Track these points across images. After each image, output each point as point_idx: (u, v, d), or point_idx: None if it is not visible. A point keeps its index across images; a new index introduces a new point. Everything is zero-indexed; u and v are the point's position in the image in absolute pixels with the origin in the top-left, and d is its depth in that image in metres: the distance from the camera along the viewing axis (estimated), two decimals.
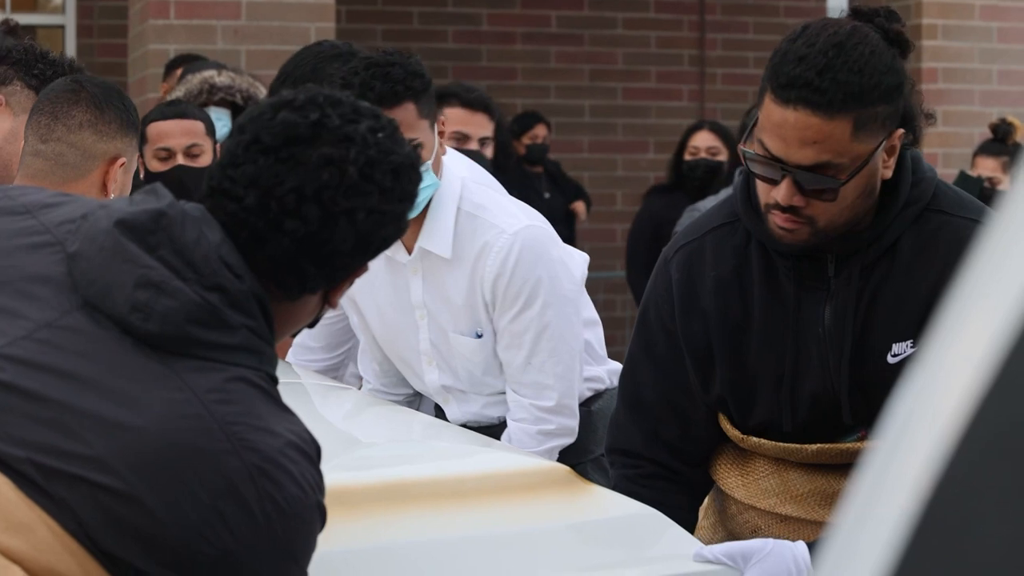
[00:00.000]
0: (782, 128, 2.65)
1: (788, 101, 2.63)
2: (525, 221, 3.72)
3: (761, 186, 2.75)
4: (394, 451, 2.93)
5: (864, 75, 2.63)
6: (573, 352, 3.77)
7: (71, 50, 9.80)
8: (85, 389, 2.04)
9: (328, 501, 2.40)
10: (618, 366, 4.15)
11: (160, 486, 2.01)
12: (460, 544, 2.46)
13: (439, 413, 3.94)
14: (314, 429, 3.13)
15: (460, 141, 5.47)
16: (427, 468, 2.65)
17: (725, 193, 4.10)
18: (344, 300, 3.71)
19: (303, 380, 3.62)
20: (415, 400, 4.05)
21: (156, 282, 2.06)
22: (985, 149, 7.27)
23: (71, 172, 3.05)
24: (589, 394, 4.00)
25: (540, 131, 8.95)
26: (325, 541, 2.34)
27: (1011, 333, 0.80)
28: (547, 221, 4.02)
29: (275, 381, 2.16)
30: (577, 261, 3.89)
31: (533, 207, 5.29)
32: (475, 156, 5.50)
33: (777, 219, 2.72)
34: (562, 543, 2.54)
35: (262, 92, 5.87)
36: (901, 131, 2.72)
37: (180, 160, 4.67)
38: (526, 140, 8.96)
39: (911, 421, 0.84)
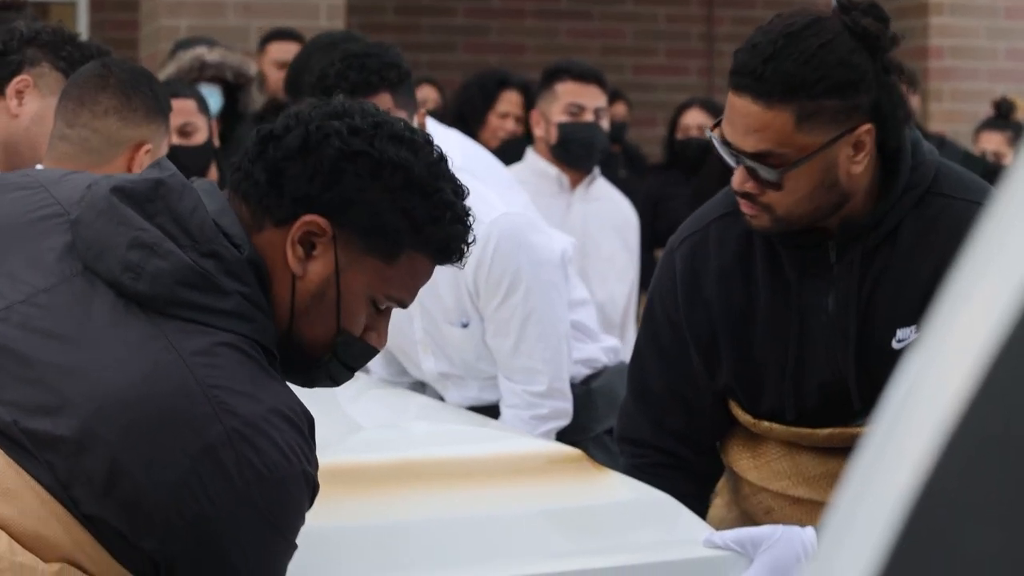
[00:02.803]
0: (731, 114, 2.69)
1: (735, 87, 2.67)
2: (502, 209, 3.72)
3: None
4: (411, 432, 2.94)
5: (809, 67, 2.62)
6: (560, 336, 3.78)
7: (83, 25, 9.83)
8: (72, 350, 2.05)
9: (345, 479, 2.41)
10: (615, 342, 4.18)
11: (140, 446, 2.00)
12: (472, 524, 2.46)
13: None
14: (328, 411, 3.14)
15: (575, 115, 5.45)
16: (443, 449, 2.65)
17: None
18: None
19: None
20: (419, 388, 4.06)
21: (148, 243, 2.07)
22: (989, 124, 7.32)
23: (96, 157, 3.08)
24: (587, 372, 4.01)
25: (619, 109, 8.68)
26: (341, 517, 2.38)
27: (1011, 317, 0.80)
28: (529, 207, 4.03)
29: (268, 350, 2.13)
30: (562, 244, 3.89)
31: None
32: (590, 128, 5.45)
33: (741, 204, 2.75)
34: (574, 526, 2.54)
35: (253, 69, 5.89)
36: (868, 127, 2.69)
37: (174, 139, 4.66)
38: None
39: (908, 404, 0.85)
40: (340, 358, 2.22)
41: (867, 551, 0.81)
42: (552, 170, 5.50)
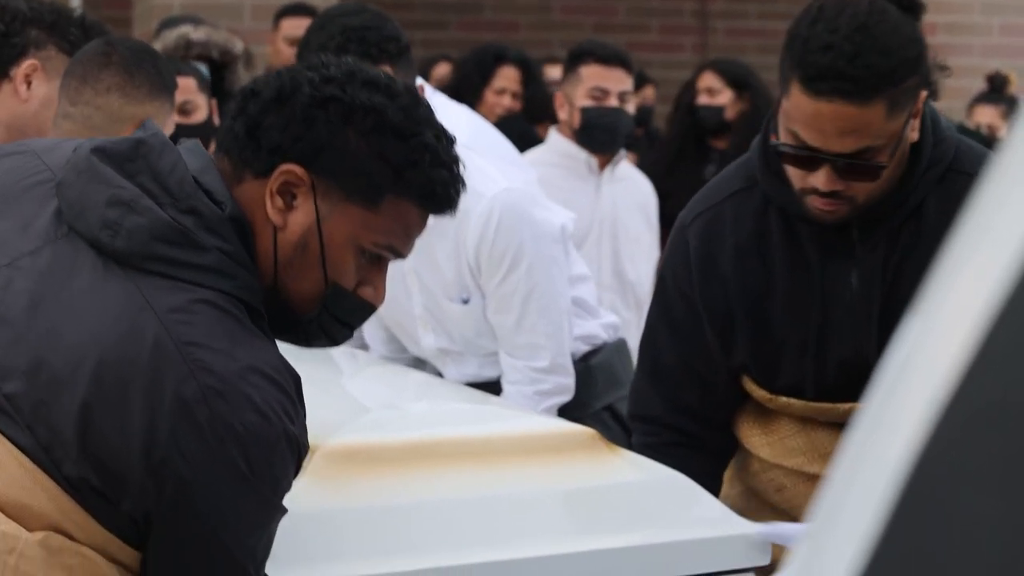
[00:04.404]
0: (817, 120, 2.61)
1: (821, 93, 2.58)
2: (503, 184, 3.70)
3: (795, 172, 2.72)
4: (420, 412, 2.93)
5: (892, 55, 2.58)
6: (562, 311, 3.77)
7: (76, 2, 9.81)
8: (51, 312, 2.06)
9: (362, 458, 2.41)
10: (614, 319, 4.18)
11: (114, 403, 1.99)
12: (487, 503, 2.46)
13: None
14: (332, 391, 3.11)
15: (598, 99, 5.34)
16: (457, 429, 2.63)
17: None
18: None
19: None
20: (419, 366, 4.04)
21: (126, 201, 2.08)
22: (983, 98, 7.33)
23: (98, 135, 3.08)
24: (586, 349, 4.00)
25: (648, 93, 8.65)
26: (351, 498, 2.37)
27: (1008, 284, 0.80)
28: (530, 182, 4.03)
29: (255, 308, 2.12)
30: (563, 220, 3.88)
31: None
32: (614, 114, 5.35)
33: (817, 203, 2.70)
34: (588, 506, 2.53)
35: (239, 47, 5.86)
36: (924, 92, 2.69)
37: (174, 118, 4.66)
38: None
39: (906, 371, 0.85)
40: (332, 312, 2.19)
41: (865, 519, 0.81)
42: (581, 153, 5.42)
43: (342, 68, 2.18)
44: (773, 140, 2.73)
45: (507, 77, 6.75)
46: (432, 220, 3.61)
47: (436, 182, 2.18)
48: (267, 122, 2.15)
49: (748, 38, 11.00)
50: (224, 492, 2.02)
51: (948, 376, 0.80)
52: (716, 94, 6.61)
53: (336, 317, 2.20)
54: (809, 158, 2.66)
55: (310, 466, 2.40)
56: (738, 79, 6.66)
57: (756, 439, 2.99)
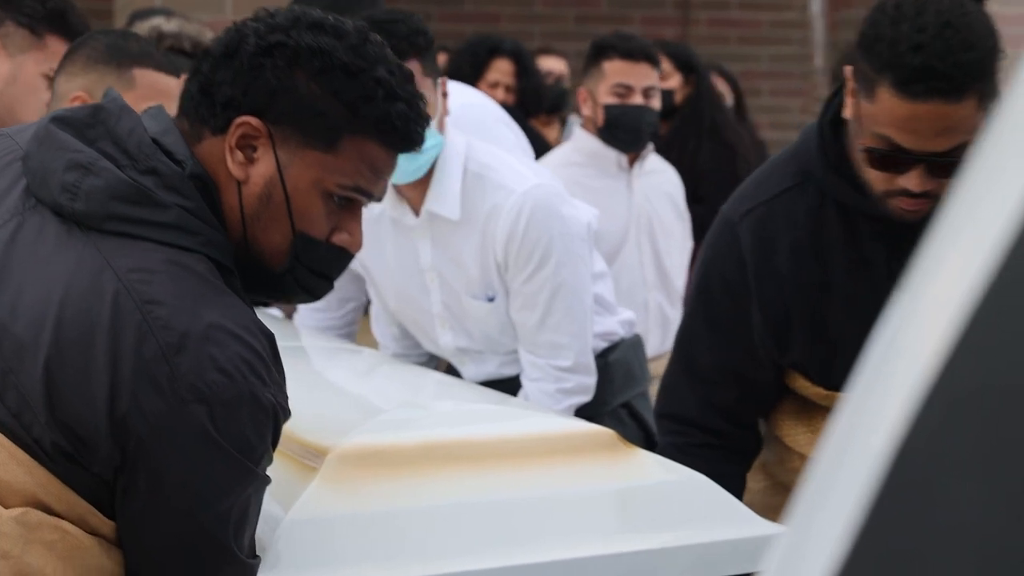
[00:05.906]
0: (913, 122, 2.58)
1: (917, 95, 2.55)
2: (533, 180, 3.69)
3: (879, 174, 2.69)
4: (441, 413, 2.90)
5: (978, 49, 2.56)
6: (586, 310, 3.76)
7: None
8: (14, 279, 2.07)
9: (376, 461, 2.38)
10: (631, 315, 4.17)
11: (78, 365, 1.99)
12: (506, 505, 2.44)
13: (454, 374, 3.92)
14: (345, 390, 3.06)
15: (622, 96, 5.16)
16: (474, 430, 2.61)
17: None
18: (355, 264, 3.70)
19: (337, 344, 3.62)
20: (432, 363, 4.04)
21: (83, 163, 2.09)
22: None
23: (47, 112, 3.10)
24: (605, 345, 4.00)
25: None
26: (369, 500, 2.35)
27: (990, 269, 0.80)
28: (555, 177, 4.02)
29: (222, 265, 2.11)
30: (588, 217, 3.86)
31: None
32: (638, 112, 5.21)
33: (904, 204, 2.67)
34: (607, 507, 2.51)
35: (210, 38, 5.86)
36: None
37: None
38: None
39: (889, 356, 0.84)
40: (304, 263, 2.18)
41: (847, 507, 0.81)
42: (610, 152, 5.25)
43: (287, 15, 2.18)
44: (861, 145, 2.69)
45: (500, 70, 6.70)
46: (456, 216, 3.61)
47: (393, 116, 2.16)
48: (218, 78, 2.15)
49: (730, 29, 11.01)
50: (188, 453, 2.00)
51: (931, 362, 0.80)
52: (666, 78, 6.42)
53: (310, 268, 2.19)
54: (902, 160, 2.63)
55: (324, 469, 2.38)
56: (687, 62, 6.51)
57: (801, 436, 2.96)
